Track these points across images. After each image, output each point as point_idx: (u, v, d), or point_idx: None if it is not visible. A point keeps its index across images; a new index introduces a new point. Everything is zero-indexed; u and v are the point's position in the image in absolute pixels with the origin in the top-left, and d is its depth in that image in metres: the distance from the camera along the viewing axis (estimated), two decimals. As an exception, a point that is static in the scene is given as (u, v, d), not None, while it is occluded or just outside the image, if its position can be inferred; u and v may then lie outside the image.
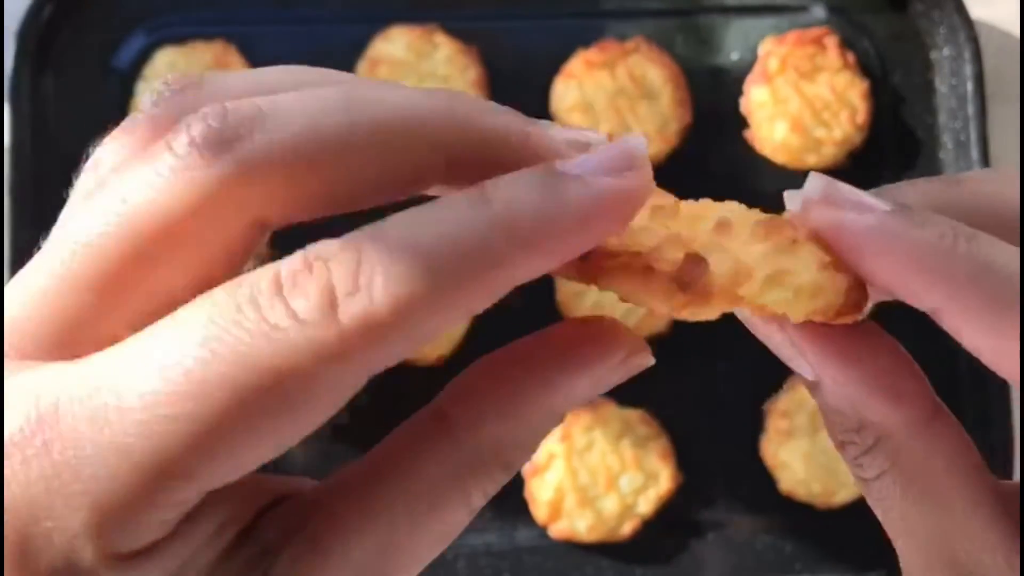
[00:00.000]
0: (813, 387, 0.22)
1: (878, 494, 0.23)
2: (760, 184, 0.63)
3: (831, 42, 0.63)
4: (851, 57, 0.64)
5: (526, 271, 0.19)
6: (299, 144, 0.19)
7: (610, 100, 0.62)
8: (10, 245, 0.58)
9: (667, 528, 0.60)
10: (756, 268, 0.21)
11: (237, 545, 0.19)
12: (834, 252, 0.21)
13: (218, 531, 0.19)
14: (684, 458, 0.60)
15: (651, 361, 0.22)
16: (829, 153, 0.63)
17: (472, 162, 0.20)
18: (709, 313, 0.20)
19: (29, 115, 0.60)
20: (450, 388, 0.21)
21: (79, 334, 0.19)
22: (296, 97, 0.19)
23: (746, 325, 0.23)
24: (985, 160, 0.62)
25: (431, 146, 0.20)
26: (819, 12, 0.65)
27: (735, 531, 0.61)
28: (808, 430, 0.60)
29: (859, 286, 0.21)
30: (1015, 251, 0.20)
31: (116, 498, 0.17)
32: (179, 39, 0.62)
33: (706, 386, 0.62)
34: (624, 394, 0.60)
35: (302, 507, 0.20)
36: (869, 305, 0.22)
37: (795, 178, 0.62)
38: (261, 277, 0.18)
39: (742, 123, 0.63)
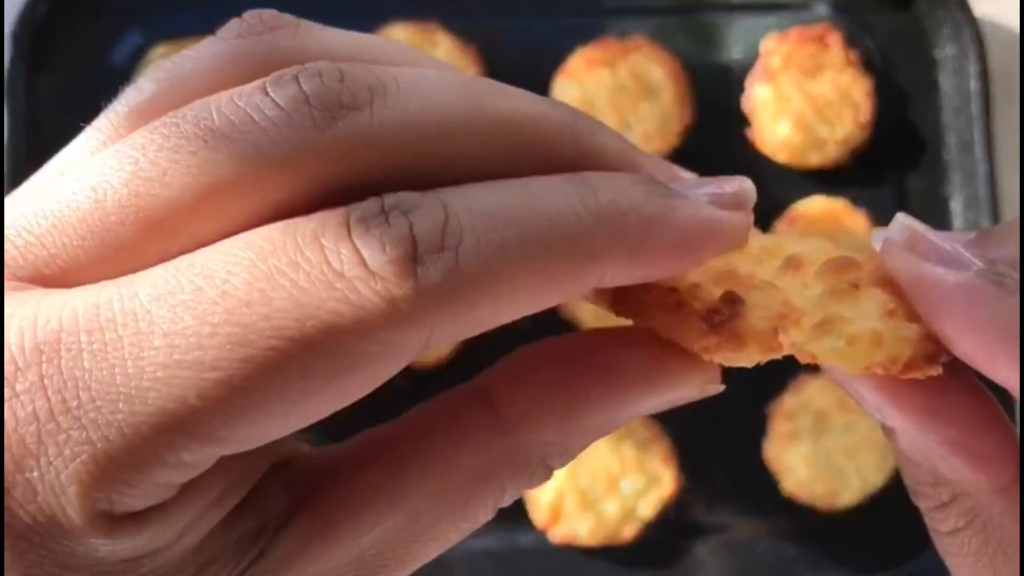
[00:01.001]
0: (889, 431, 0.21)
1: (950, 549, 0.21)
2: (762, 183, 0.62)
3: (834, 40, 0.63)
4: (854, 55, 0.63)
5: (614, 275, 0.17)
6: (419, 125, 0.17)
7: (611, 98, 0.61)
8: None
9: (669, 531, 0.59)
10: (807, 313, 0.19)
11: (236, 515, 0.17)
12: (906, 302, 0.19)
13: (219, 499, 0.17)
14: (686, 461, 0.60)
15: (721, 389, 0.21)
16: (832, 152, 0.62)
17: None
18: (744, 359, 0.19)
19: (25, 114, 0.59)
20: (502, 374, 0.19)
21: (109, 264, 0.16)
22: (418, 74, 0.17)
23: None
24: (989, 159, 0.62)
25: (545, 155, 0.18)
26: (822, 9, 0.64)
27: (737, 534, 0.60)
28: (811, 433, 0.60)
29: (934, 338, 0.19)
30: None
31: (119, 452, 0.15)
32: (175, 37, 0.61)
33: (708, 387, 0.61)
34: (625, 395, 0.60)
35: (308, 475, 0.18)
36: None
37: (797, 177, 0.62)
38: (328, 217, 0.15)
39: (744, 121, 0.63)
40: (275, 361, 0.15)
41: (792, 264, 0.20)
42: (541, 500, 0.58)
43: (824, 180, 0.62)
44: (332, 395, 0.16)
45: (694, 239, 0.18)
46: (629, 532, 0.58)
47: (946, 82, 0.64)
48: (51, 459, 0.15)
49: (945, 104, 0.64)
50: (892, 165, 0.64)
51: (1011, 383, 0.18)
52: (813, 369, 0.60)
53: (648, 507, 0.59)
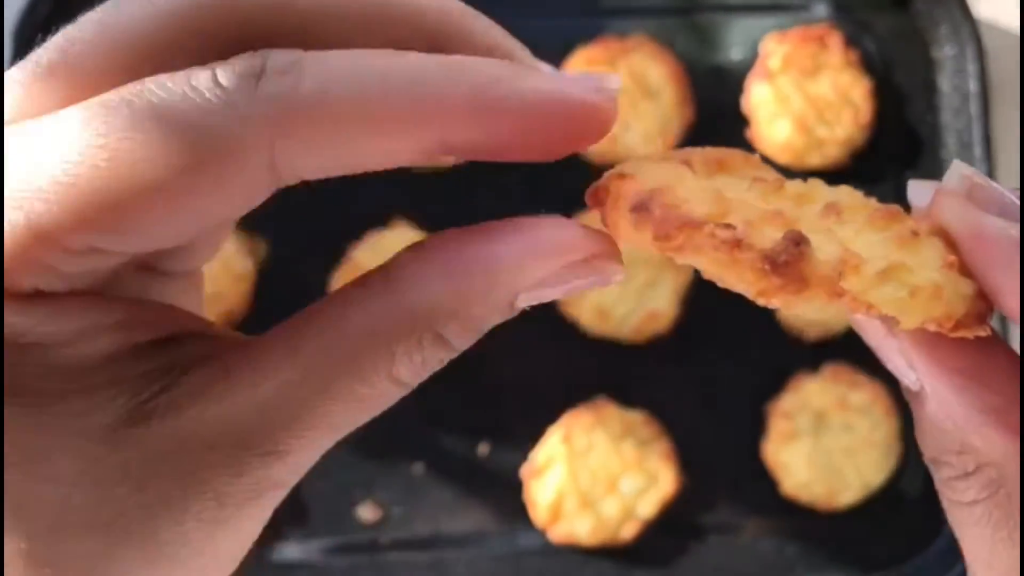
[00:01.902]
0: (914, 396, 0.21)
1: (967, 519, 0.21)
2: (762, 184, 0.62)
3: (834, 40, 0.63)
4: (854, 55, 0.63)
5: (458, 132, 0.18)
6: (319, 24, 0.19)
7: (611, 99, 0.61)
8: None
9: (668, 531, 0.60)
10: (868, 259, 0.18)
11: (147, 351, 0.19)
12: (961, 256, 0.18)
13: (126, 325, 0.19)
14: (686, 460, 0.60)
15: (619, 276, 0.20)
16: (831, 152, 0.62)
17: None
18: (803, 305, 0.17)
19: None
20: (403, 249, 0.20)
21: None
22: (338, 52, 0.19)
23: (851, 322, 0.21)
24: (988, 159, 0.62)
25: (422, 39, 0.20)
26: (821, 10, 0.65)
27: (737, 534, 0.60)
28: (810, 431, 0.60)
29: (985, 296, 0.18)
30: None
31: (43, 224, 0.17)
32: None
33: (708, 387, 0.61)
34: (625, 395, 0.60)
35: (220, 342, 0.20)
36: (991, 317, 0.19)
37: (796, 178, 0.62)
38: (203, 68, 0.18)
39: (744, 122, 0.63)
40: (130, 151, 0.17)
41: (833, 211, 0.19)
42: (541, 500, 0.59)
43: (823, 180, 0.62)
44: (193, 197, 0.18)
45: (542, 110, 0.18)
46: (629, 532, 0.58)
47: (945, 82, 0.64)
48: None
49: (944, 104, 0.64)
50: (891, 165, 0.64)
51: None
52: (810, 366, 0.60)
53: (648, 507, 0.59)
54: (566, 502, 0.58)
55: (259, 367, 0.19)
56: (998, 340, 0.20)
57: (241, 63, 0.18)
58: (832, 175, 0.63)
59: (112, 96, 0.18)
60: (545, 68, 0.20)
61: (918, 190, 0.20)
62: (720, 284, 0.18)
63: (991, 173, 0.62)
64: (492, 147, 0.19)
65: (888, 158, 0.64)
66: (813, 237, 0.18)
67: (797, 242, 0.17)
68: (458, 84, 0.18)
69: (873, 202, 0.20)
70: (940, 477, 0.21)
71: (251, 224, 0.60)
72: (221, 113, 0.17)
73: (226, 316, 0.58)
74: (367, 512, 0.59)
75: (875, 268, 0.18)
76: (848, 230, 0.19)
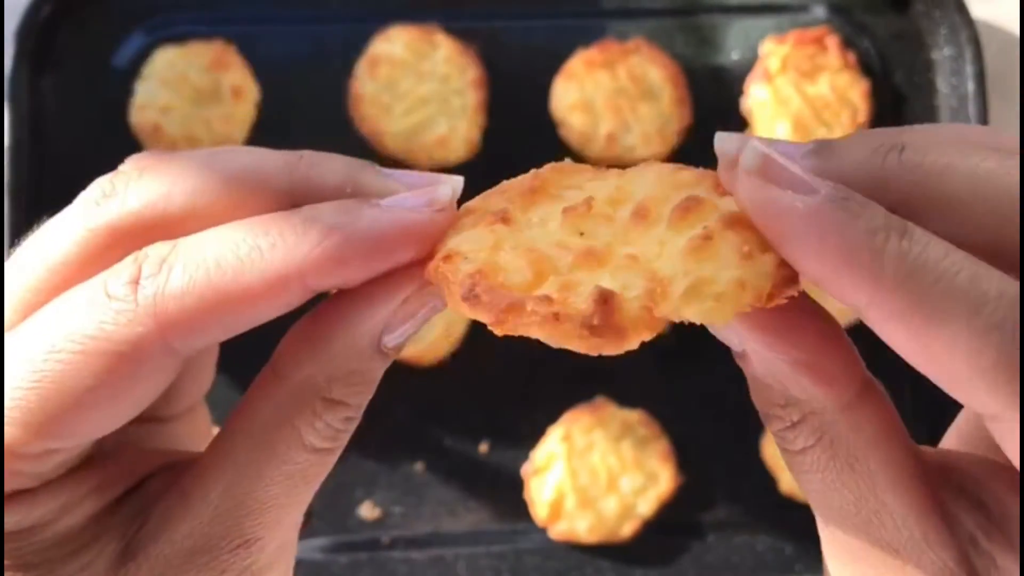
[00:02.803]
0: (740, 357, 0.22)
1: (801, 467, 0.23)
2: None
3: (832, 42, 0.63)
4: (852, 57, 0.63)
5: (319, 278, 0.21)
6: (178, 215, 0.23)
7: (610, 100, 0.62)
8: (9, 243, 0.57)
9: (667, 529, 0.60)
10: (672, 277, 0.20)
11: (122, 501, 0.23)
12: (758, 231, 0.20)
13: (98, 489, 0.23)
14: (684, 459, 0.60)
15: (440, 304, 0.23)
16: (830, 153, 0.62)
17: None
18: (630, 344, 0.20)
19: (28, 115, 0.59)
20: (281, 342, 0.23)
21: None
22: (199, 236, 0.23)
23: None
24: (986, 160, 0.62)
25: (271, 197, 0.23)
26: (820, 12, 0.65)
27: (735, 532, 0.61)
28: (809, 431, 0.60)
29: (787, 263, 0.20)
30: (947, 248, 0.19)
31: (9, 442, 0.21)
32: (178, 38, 0.62)
33: (706, 387, 0.61)
34: (625, 395, 0.60)
35: (179, 469, 0.24)
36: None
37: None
38: (99, 282, 0.22)
39: (743, 123, 0.63)
40: (59, 371, 0.21)
41: (640, 215, 0.21)
42: (541, 498, 0.59)
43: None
44: (115, 395, 0.21)
45: (384, 240, 0.22)
46: (628, 529, 0.59)
47: (943, 83, 0.64)
48: None
49: (942, 105, 0.64)
50: (889, 166, 0.64)
51: (858, 304, 0.19)
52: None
53: (647, 505, 0.59)
54: (566, 500, 0.59)
55: (206, 480, 0.23)
56: (807, 299, 0.21)
57: (125, 271, 0.22)
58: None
59: (32, 327, 0.22)
60: (391, 182, 0.23)
61: (725, 141, 0.22)
62: (550, 343, 0.20)
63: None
64: (349, 278, 0.22)
65: (886, 159, 0.64)
66: (619, 275, 0.20)
67: (605, 300, 0.19)
68: (305, 243, 0.21)
69: (680, 179, 0.22)
70: (773, 431, 0.23)
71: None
72: (113, 322, 0.21)
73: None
74: (368, 511, 0.59)
75: (679, 289, 0.19)
76: (652, 239, 0.21)
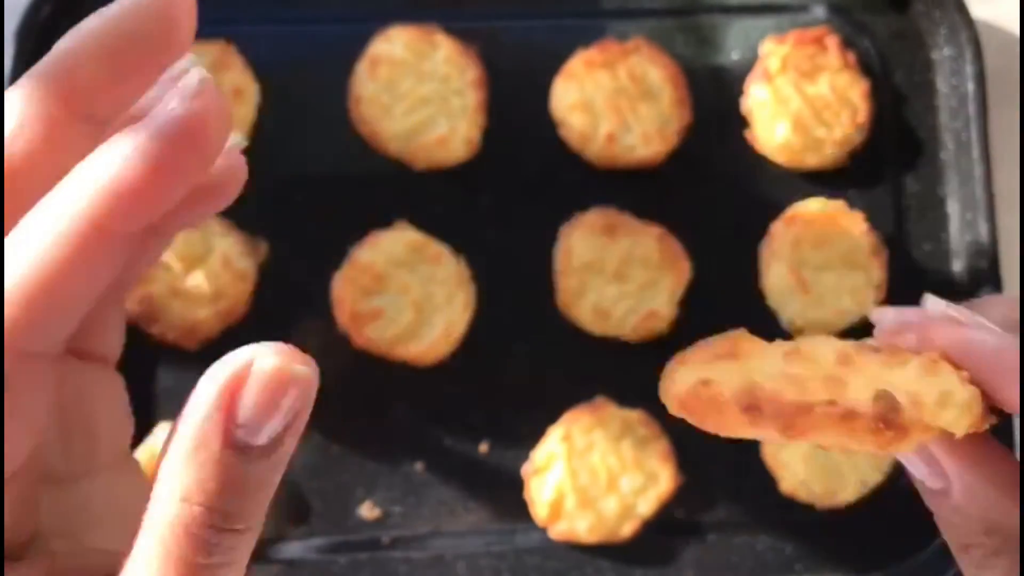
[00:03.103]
0: (937, 495, 0.23)
1: None
2: (760, 184, 0.63)
3: (832, 42, 0.63)
4: (852, 57, 0.63)
5: (122, 220, 0.21)
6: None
7: (610, 100, 0.62)
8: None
9: (667, 529, 0.60)
10: (923, 394, 0.22)
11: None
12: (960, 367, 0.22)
13: None
14: (684, 459, 0.60)
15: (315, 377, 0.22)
16: (829, 153, 0.62)
17: None
18: (908, 446, 0.21)
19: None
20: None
21: None
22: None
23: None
24: (986, 160, 0.62)
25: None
26: (820, 12, 0.65)
27: (735, 532, 0.61)
28: (809, 431, 0.60)
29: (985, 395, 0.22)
30: None
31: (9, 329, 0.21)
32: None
33: (706, 386, 0.61)
34: (625, 395, 0.60)
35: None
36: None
37: (795, 178, 0.62)
38: None
39: (742, 123, 0.63)
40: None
41: (845, 359, 0.23)
42: (541, 498, 0.59)
43: (822, 181, 0.63)
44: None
45: (167, 148, 0.21)
46: (628, 530, 0.59)
47: (943, 84, 0.64)
48: None
49: (942, 105, 0.64)
50: (889, 166, 0.64)
51: None
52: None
53: (647, 505, 0.59)
54: (566, 500, 0.59)
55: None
56: (987, 432, 0.23)
57: None
58: (831, 175, 0.64)
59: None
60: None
61: (881, 315, 0.24)
62: (831, 449, 0.22)
63: (988, 174, 0.62)
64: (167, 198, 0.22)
65: (886, 159, 0.64)
66: (865, 392, 0.22)
67: (889, 400, 0.21)
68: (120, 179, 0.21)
69: (863, 343, 0.24)
70: (972, 562, 0.23)
71: (251, 224, 0.60)
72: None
73: (226, 315, 0.59)
74: (368, 511, 0.59)
75: (931, 399, 0.22)
76: (871, 374, 0.23)
